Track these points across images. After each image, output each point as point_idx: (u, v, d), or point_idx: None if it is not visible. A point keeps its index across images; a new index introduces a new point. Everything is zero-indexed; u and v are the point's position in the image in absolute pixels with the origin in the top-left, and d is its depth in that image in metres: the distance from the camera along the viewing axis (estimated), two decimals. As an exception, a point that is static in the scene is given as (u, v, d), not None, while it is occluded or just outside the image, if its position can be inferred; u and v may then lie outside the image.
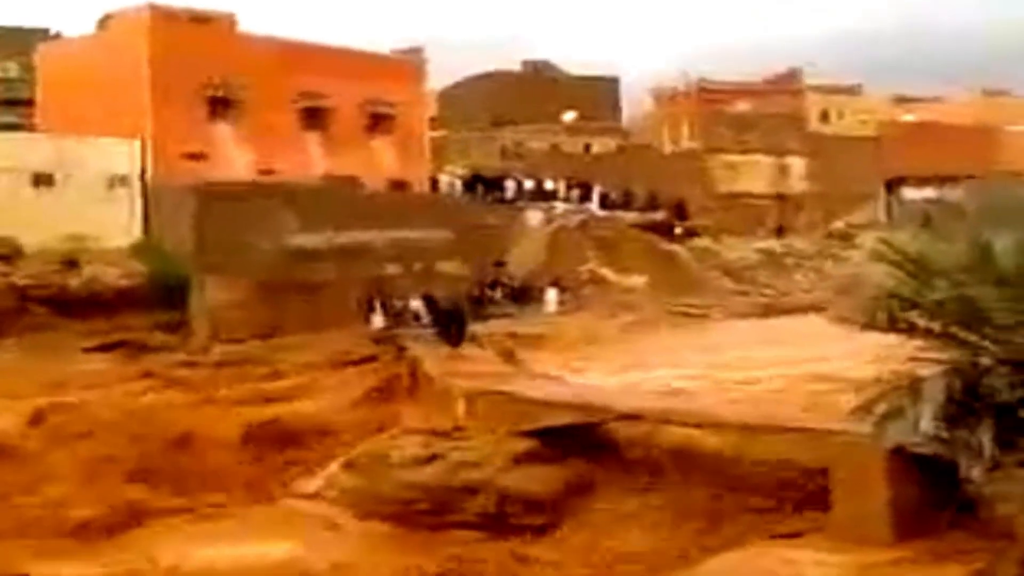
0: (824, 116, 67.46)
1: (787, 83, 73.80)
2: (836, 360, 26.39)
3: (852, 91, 72.62)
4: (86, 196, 36.67)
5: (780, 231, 57.45)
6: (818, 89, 70.63)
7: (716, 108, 65.30)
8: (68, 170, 36.70)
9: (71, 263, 34.88)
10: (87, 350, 32.76)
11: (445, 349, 31.37)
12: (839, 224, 59.74)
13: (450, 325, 32.69)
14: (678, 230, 51.63)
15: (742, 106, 67.20)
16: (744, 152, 59.98)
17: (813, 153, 61.98)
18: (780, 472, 20.88)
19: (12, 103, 48.11)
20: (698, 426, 22.19)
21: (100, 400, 28.56)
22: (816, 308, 39.53)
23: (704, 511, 21.17)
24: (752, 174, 59.64)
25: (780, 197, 60.62)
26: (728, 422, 21.73)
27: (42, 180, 36.23)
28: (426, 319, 35.18)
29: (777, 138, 61.31)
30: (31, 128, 43.22)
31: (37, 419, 27.69)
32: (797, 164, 61.83)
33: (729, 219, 55.09)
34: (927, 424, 14.87)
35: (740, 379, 27.46)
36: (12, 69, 51.80)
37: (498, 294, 40.87)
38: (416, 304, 36.12)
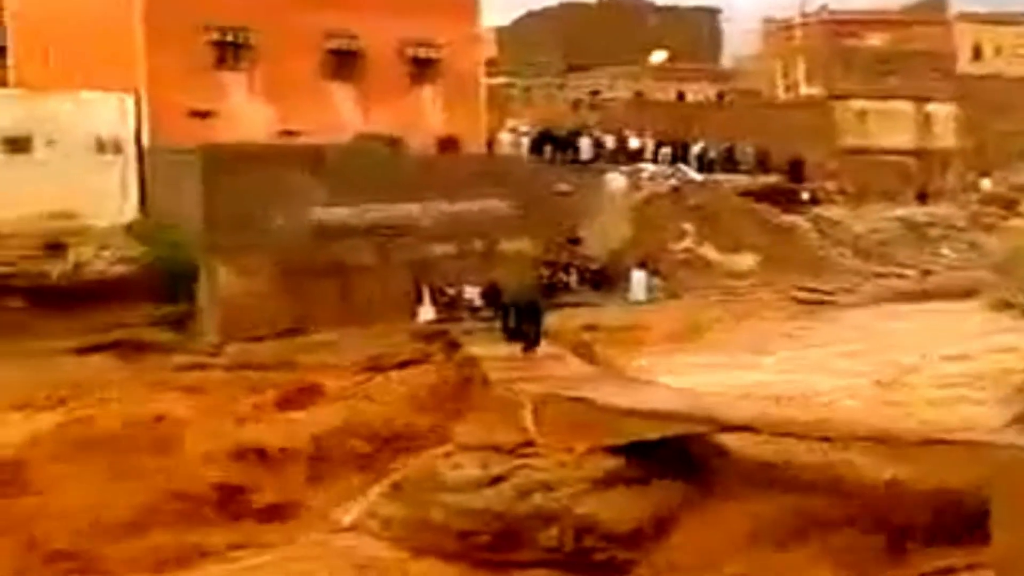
0: (977, 52, 66.80)
1: (931, 11, 73.04)
2: (995, 355, 26.19)
3: (1013, 20, 71.69)
4: (70, 164, 37.06)
5: (923, 196, 56.87)
6: (970, 18, 69.93)
7: (842, 44, 64.75)
8: (48, 133, 37.09)
9: (54, 246, 35.30)
10: (73, 351, 33.11)
11: (509, 347, 31.26)
12: (996, 186, 58.99)
13: (524, 324, 31.08)
14: (805, 195, 51.31)
15: (874, 40, 66.60)
16: (877, 98, 59.41)
17: (963, 98, 61.26)
18: (930, 495, 20.70)
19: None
20: (825, 439, 22.02)
21: (98, 413, 28.84)
22: (970, 291, 39.29)
23: (832, 543, 21.01)
24: (887, 125, 59.13)
25: (923, 153, 59.99)
26: (861, 434, 21.55)
27: (17, 146, 36.63)
28: (484, 310, 35.20)
29: (918, 80, 60.69)
30: (1, 83, 43.86)
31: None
32: (944, 112, 61.18)
33: (859, 182, 54.66)
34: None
35: (874, 380, 27.31)
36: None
37: (573, 278, 40.87)
38: (472, 292, 36.19)
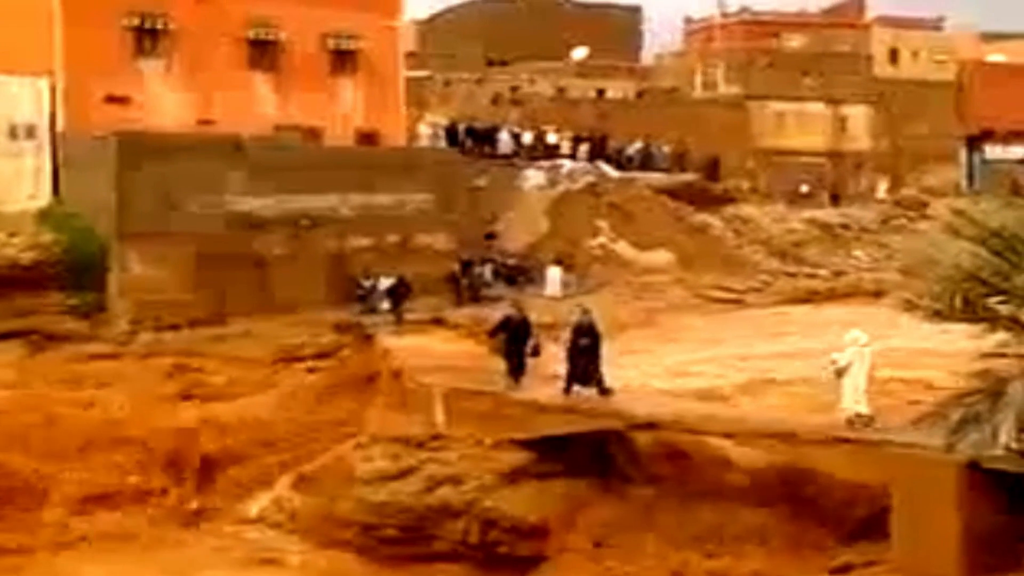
0: (894, 56, 67.33)
1: (849, 14, 73.74)
2: (901, 356, 26.46)
3: (929, 25, 72.49)
4: (-18, 149, 36.56)
5: (835, 198, 57.43)
6: (887, 22, 70.54)
7: (761, 45, 65.20)
8: (-42, 117, 36.59)
9: (-38, 232, 34.76)
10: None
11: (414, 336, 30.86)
12: (909, 189, 59.69)
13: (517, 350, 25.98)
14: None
15: (793, 43, 67.12)
16: (794, 100, 59.89)
17: (879, 102, 61.92)
18: (830, 493, 20.88)
19: None
20: (729, 436, 22.15)
21: None
22: (879, 292, 39.66)
23: (736, 540, 21.14)
24: (803, 127, 59.61)
25: (837, 155, 60.58)
26: (766, 431, 21.68)
27: (-74, 130, 36.16)
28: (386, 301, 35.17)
29: (835, 82, 61.24)
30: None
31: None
32: (859, 115, 61.80)
33: (774, 182, 55.07)
34: (1008, 435, 14.84)
35: (782, 380, 27.49)
36: None
37: (487, 273, 40.70)
38: (387, 284, 36.10)
